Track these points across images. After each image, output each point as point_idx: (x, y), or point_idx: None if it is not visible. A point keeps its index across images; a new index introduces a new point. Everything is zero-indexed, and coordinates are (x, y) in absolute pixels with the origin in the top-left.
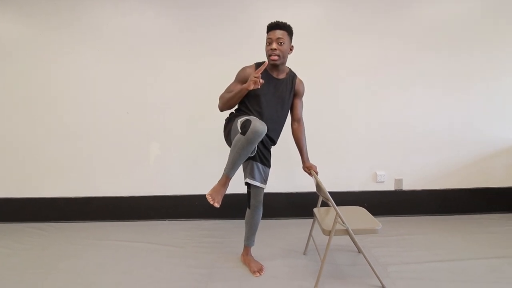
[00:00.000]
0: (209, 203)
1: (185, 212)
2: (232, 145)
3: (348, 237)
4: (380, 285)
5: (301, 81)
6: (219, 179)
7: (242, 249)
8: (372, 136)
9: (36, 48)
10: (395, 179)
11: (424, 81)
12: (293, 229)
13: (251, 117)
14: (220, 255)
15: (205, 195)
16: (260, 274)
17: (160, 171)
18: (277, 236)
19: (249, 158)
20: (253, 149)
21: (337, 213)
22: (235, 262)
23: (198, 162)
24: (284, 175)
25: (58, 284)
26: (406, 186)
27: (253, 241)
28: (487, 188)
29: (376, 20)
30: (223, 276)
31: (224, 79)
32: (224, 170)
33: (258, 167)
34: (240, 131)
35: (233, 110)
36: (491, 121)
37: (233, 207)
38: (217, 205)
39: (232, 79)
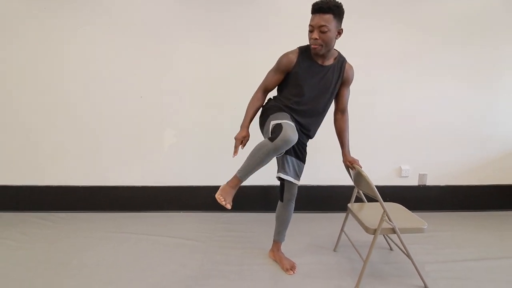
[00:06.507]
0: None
1: (201, 203)
2: (255, 149)
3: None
4: (423, 285)
5: (351, 67)
6: (229, 180)
7: (268, 243)
8: (397, 129)
9: (43, 28)
10: (419, 174)
11: (451, 75)
12: (316, 223)
13: (283, 122)
14: (247, 250)
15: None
16: (293, 272)
17: (174, 160)
18: (302, 231)
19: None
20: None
21: (384, 210)
22: (264, 258)
23: (215, 151)
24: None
25: (73, 283)
26: (430, 182)
27: (284, 236)
28: (509, 185)
29: (402, 10)
30: (254, 274)
31: (243, 65)
32: (238, 173)
33: (292, 161)
34: (269, 135)
35: (271, 96)
36: None
37: (251, 199)
38: (229, 206)
39: (251, 64)
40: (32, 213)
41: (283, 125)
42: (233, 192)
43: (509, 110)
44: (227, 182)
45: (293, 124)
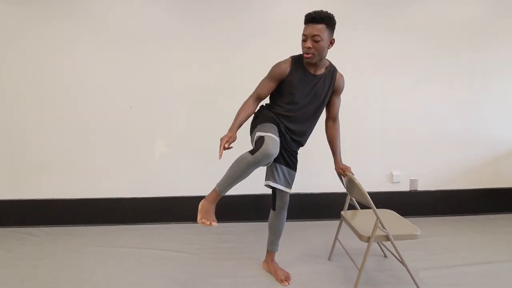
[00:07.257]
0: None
1: (192, 214)
2: (235, 161)
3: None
4: None
5: (341, 76)
6: (207, 194)
7: (262, 254)
8: (387, 135)
9: (32, 37)
10: (410, 179)
11: (441, 80)
12: (309, 232)
13: (267, 135)
14: (240, 261)
15: None
16: (288, 282)
17: (165, 170)
18: (295, 239)
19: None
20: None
21: (377, 218)
22: (258, 269)
23: (207, 161)
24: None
25: None
26: (421, 187)
27: (278, 246)
28: (500, 188)
29: (393, 17)
30: (248, 286)
31: (234, 74)
32: (217, 186)
33: (282, 169)
34: (252, 147)
35: (264, 104)
36: (504, 122)
37: (244, 208)
38: (214, 224)
39: (243, 73)
40: (16, 228)
41: (265, 139)
42: (213, 207)
43: (498, 115)
44: (206, 197)
45: (276, 138)
